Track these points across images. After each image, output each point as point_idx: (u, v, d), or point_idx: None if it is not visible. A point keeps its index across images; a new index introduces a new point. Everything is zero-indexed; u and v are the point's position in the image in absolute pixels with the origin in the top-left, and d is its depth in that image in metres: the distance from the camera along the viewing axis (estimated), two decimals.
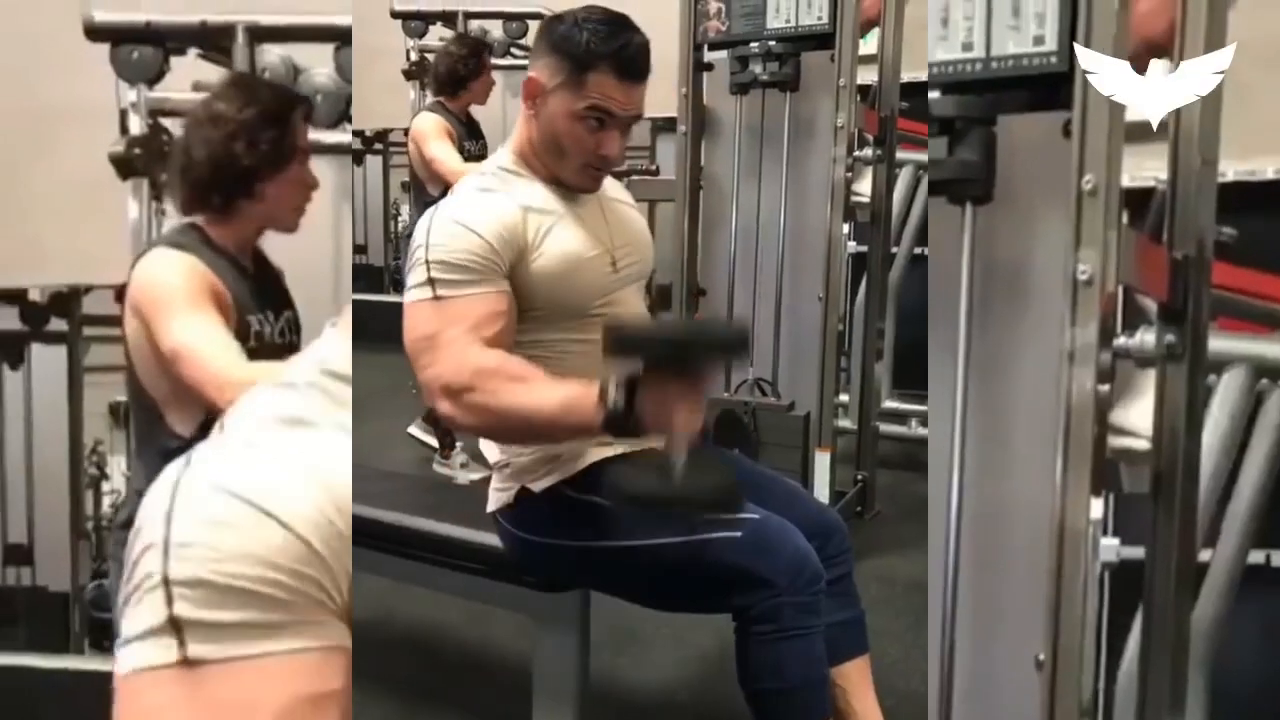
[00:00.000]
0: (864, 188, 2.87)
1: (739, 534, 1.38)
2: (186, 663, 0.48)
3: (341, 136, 1.81)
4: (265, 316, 1.53)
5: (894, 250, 3.31)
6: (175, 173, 1.49)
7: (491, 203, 1.42)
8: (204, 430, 1.38)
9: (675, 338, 1.33)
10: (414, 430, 3.53)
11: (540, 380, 1.33)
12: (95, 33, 1.86)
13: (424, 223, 1.42)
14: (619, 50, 1.39)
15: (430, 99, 3.35)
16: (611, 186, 1.61)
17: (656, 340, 1.28)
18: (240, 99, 1.47)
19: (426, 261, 1.37)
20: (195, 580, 0.49)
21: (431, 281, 1.36)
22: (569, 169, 1.47)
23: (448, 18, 4.19)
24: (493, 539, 1.59)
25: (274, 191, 1.50)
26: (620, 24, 1.42)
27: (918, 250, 3.46)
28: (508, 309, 1.39)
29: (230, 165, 1.45)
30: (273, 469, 0.53)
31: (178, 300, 1.38)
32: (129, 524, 1.17)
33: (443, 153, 3.06)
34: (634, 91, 1.43)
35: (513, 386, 1.31)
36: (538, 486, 1.48)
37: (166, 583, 0.49)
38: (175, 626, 0.49)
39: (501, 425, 1.37)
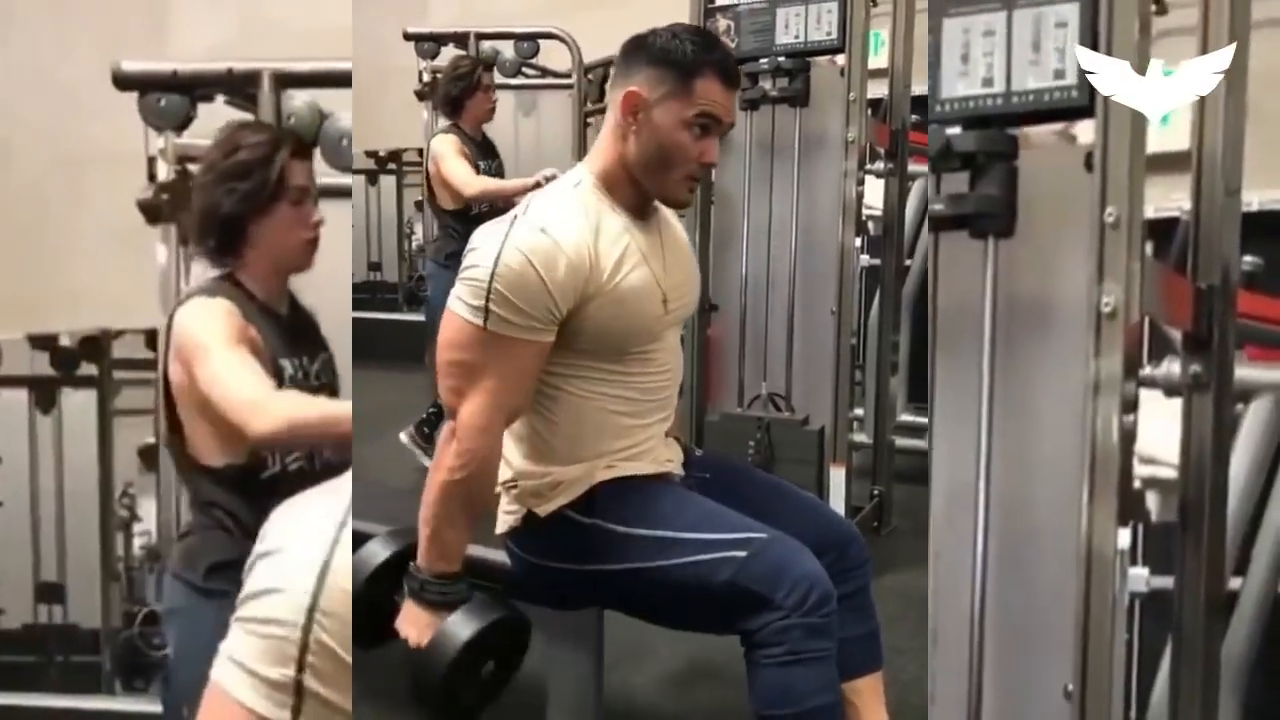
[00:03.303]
0: (874, 199, 2.87)
1: (745, 554, 1.37)
2: None
3: (346, 179, 1.82)
4: (299, 360, 1.55)
5: (907, 263, 3.31)
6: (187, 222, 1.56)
7: (564, 241, 1.38)
8: (246, 464, 1.46)
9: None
10: (403, 438, 3.60)
11: (473, 515, 1.46)
12: (123, 82, 1.89)
13: (496, 238, 1.38)
14: (723, 59, 1.45)
15: (442, 121, 3.46)
16: (670, 216, 1.59)
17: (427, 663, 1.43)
18: (228, 145, 1.50)
19: (489, 288, 1.35)
20: (330, 654, 0.49)
21: (487, 311, 1.36)
22: (671, 181, 1.46)
23: (459, 39, 4.22)
24: (503, 555, 1.59)
25: (265, 234, 1.51)
26: (714, 37, 1.51)
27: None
28: (543, 359, 1.42)
29: (215, 211, 1.49)
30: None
31: (213, 341, 1.42)
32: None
33: (458, 169, 3.22)
34: (734, 100, 1.48)
35: (463, 497, 1.42)
36: (543, 510, 1.48)
37: (304, 648, 0.49)
38: (298, 692, 0.49)
39: (435, 479, 1.43)
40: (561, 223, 1.40)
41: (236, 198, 1.48)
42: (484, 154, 3.38)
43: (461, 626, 1.43)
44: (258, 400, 1.36)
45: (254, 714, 0.50)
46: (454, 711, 1.47)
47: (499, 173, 3.42)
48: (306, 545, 0.52)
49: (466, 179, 3.20)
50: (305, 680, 0.50)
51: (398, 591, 1.49)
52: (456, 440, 1.39)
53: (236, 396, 1.37)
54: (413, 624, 1.46)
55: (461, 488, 1.40)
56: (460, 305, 1.38)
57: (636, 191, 1.48)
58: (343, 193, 1.87)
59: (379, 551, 1.55)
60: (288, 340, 1.55)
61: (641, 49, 1.45)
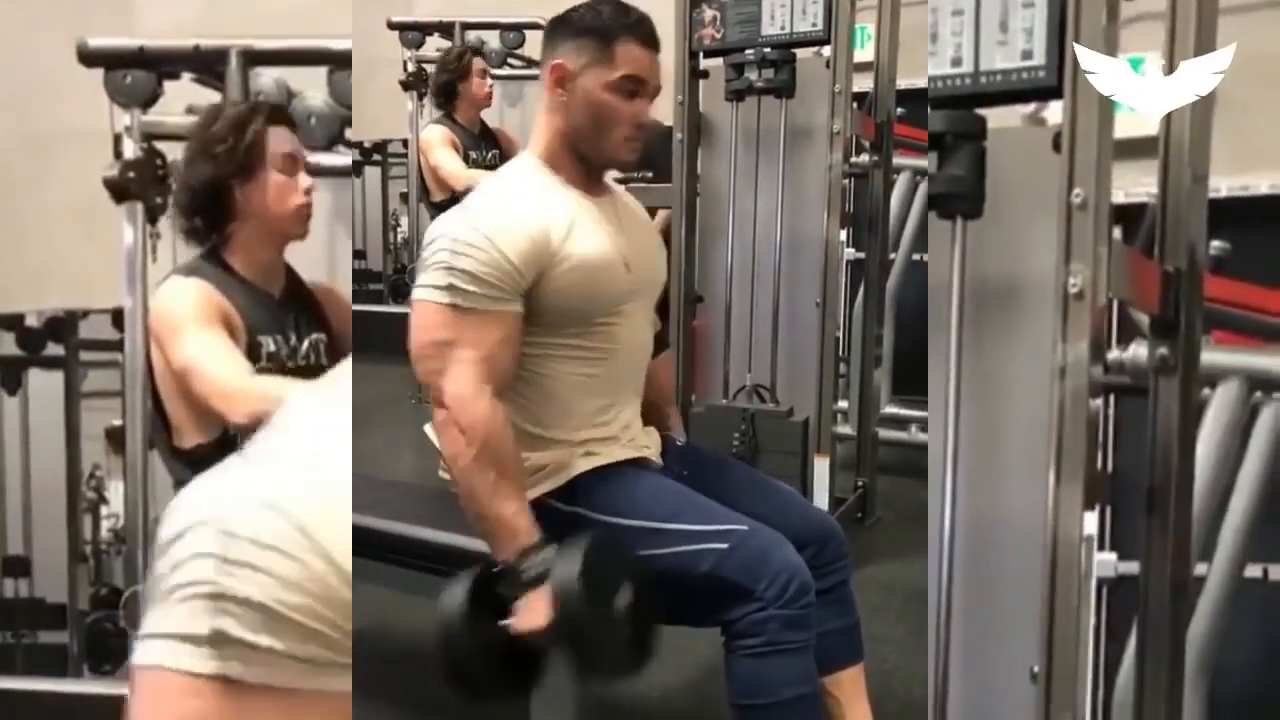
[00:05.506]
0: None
1: (726, 546, 1.37)
2: (223, 679, 0.49)
3: (336, 159, 1.81)
4: (283, 338, 1.55)
5: (892, 256, 3.31)
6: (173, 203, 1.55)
7: (517, 215, 1.42)
8: (219, 442, 1.46)
9: (595, 627, 1.29)
10: (428, 429, 3.56)
11: (512, 479, 1.38)
12: (89, 58, 1.87)
13: (448, 223, 1.42)
14: (639, 22, 1.49)
15: (436, 113, 3.45)
16: (625, 194, 1.64)
17: (583, 613, 1.26)
18: (207, 119, 1.53)
19: (449, 266, 1.38)
20: (248, 601, 0.49)
21: (451, 288, 1.37)
22: (610, 144, 1.49)
23: (444, 29, 4.21)
24: (484, 546, 1.58)
25: (251, 202, 1.52)
26: (631, 6, 1.51)
27: (915, 256, 3.46)
28: (519, 331, 1.42)
29: (197, 182, 1.49)
30: (322, 492, 0.52)
31: (185, 321, 1.43)
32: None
33: (445, 159, 3.19)
34: (656, 62, 1.51)
35: (489, 468, 1.36)
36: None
37: (219, 596, 0.49)
38: (216, 641, 0.49)
39: (456, 473, 1.39)
40: (512, 198, 1.46)
41: (215, 163, 1.49)
42: (480, 144, 3.35)
43: (565, 564, 1.26)
44: (231, 386, 1.37)
45: (177, 671, 0.50)
46: (619, 659, 1.33)
47: (495, 163, 3.34)
48: (210, 509, 0.52)
49: (455, 171, 3.18)
50: (223, 626, 0.49)
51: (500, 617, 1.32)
52: (451, 420, 1.37)
53: (211, 383, 1.38)
54: (529, 614, 1.29)
55: (482, 463, 1.36)
56: (426, 290, 1.40)
57: (581, 166, 1.52)
58: (324, 172, 1.85)
59: (458, 589, 1.33)
60: (274, 318, 1.55)
61: (563, 24, 1.51)
